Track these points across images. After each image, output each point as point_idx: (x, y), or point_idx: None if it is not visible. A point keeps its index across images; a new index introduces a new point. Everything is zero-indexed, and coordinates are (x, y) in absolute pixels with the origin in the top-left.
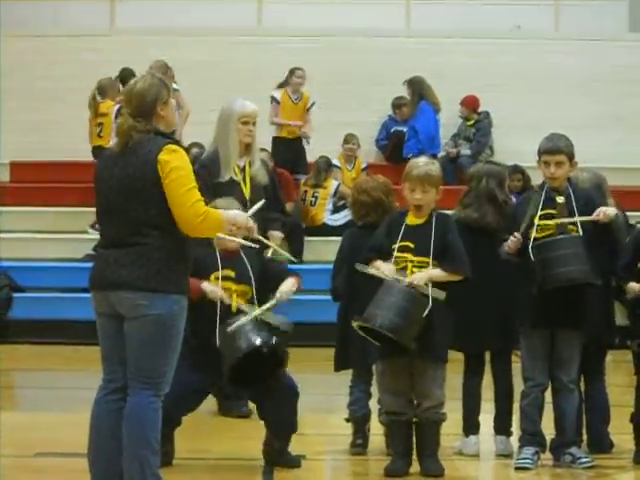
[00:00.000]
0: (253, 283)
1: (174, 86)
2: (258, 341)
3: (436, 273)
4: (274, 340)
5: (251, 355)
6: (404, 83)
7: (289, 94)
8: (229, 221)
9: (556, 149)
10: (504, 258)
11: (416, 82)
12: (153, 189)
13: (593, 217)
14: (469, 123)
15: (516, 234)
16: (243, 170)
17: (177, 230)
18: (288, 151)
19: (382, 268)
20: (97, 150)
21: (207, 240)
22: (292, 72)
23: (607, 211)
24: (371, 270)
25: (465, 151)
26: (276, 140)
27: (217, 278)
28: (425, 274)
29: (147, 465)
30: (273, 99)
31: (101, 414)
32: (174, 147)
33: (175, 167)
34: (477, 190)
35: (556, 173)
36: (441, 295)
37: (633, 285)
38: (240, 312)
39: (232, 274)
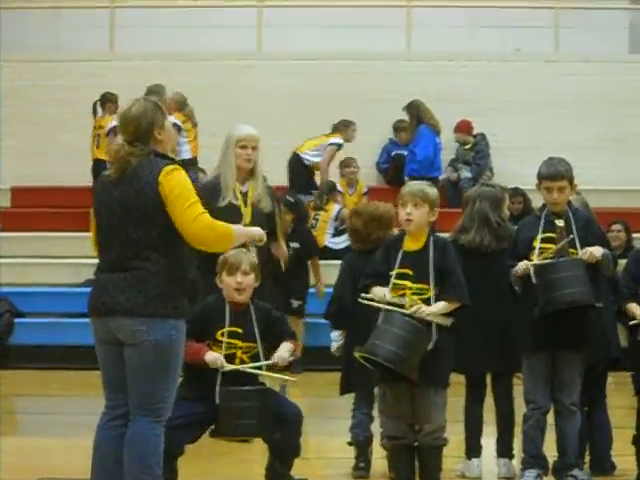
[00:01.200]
0: (259, 340)
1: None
2: (252, 430)
3: (441, 307)
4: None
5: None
6: (403, 109)
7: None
8: (242, 234)
9: (558, 175)
10: (514, 284)
11: (414, 106)
12: (155, 210)
13: (580, 257)
14: (467, 147)
15: (527, 262)
16: (245, 195)
17: (177, 252)
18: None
19: (378, 293)
20: (96, 164)
21: (217, 287)
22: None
23: (593, 252)
24: (373, 303)
25: (466, 174)
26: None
27: (223, 334)
28: (433, 309)
29: None
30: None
31: (104, 440)
32: (173, 167)
33: (176, 184)
34: (471, 212)
35: (559, 199)
36: (447, 322)
37: (633, 306)
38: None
39: (240, 331)
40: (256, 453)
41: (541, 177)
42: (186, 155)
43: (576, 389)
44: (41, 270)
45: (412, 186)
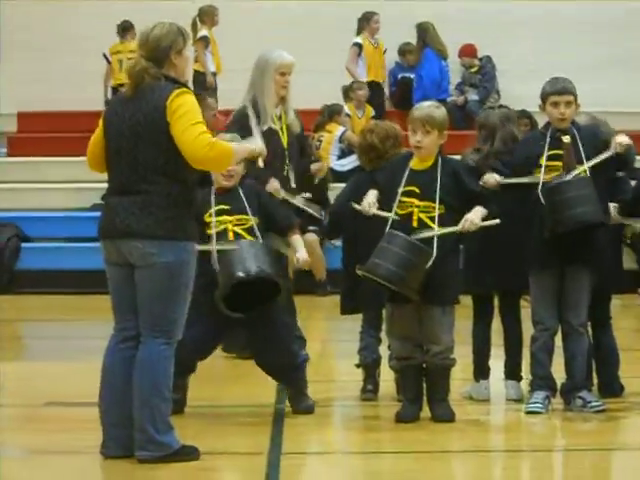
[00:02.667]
0: (249, 212)
1: None
2: (254, 269)
3: (480, 213)
4: (270, 270)
5: (246, 282)
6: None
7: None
8: (241, 152)
9: (564, 90)
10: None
11: (422, 28)
12: (162, 134)
13: (612, 150)
14: (473, 70)
15: (496, 179)
16: (280, 119)
17: (185, 176)
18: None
19: (365, 200)
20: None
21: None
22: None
23: (623, 141)
24: (364, 209)
25: (473, 97)
26: None
27: (211, 215)
28: (476, 218)
29: (158, 413)
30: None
31: (113, 362)
32: (182, 90)
33: (181, 105)
34: (503, 136)
35: (566, 113)
36: (494, 222)
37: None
38: (239, 237)
39: (227, 207)
40: (266, 376)
41: (547, 93)
42: (211, 68)
43: (584, 310)
44: (48, 195)
45: (421, 110)
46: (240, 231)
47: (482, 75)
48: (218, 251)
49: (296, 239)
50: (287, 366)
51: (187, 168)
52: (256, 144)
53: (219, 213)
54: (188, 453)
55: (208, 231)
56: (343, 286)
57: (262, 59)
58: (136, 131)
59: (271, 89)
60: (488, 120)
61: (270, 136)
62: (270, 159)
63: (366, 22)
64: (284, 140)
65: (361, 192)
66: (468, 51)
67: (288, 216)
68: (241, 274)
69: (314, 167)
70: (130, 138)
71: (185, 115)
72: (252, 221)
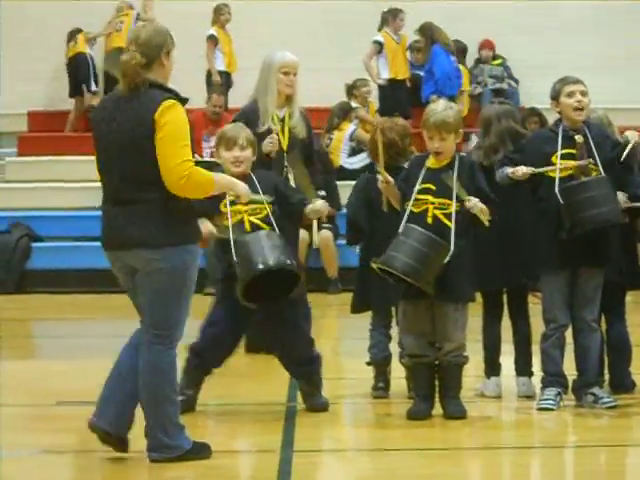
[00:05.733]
0: (264, 200)
1: None
2: (272, 261)
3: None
4: (289, 261)
5: (266, 273)
6: (416, 32)
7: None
8: (224, 186)
9: (579, 80)
10: (500, 181)
11: (426, 28)
12: (150, 148)
13: (632, 143)
14: (496, 62)
15: (526, 168)
16: (282, 121)
17: None
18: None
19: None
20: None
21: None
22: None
23: (636, 136)
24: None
25: (496, 86)
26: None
27: (226, 205)
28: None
29: (166, 417)
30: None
31: (131, 348)
32: (171, 102)
33: (168, 122)
34: (499, 132)
35: (583, 101)
36: (486, 221)
37: None
38: (256, 228)
39: None
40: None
41: (561, 85)
42: (221, 67)
43: (596, 306)
44: (59, 194)
45: (435, 116)
46: (256, 221)
47: (504, 68)
48: (235, 242)
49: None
50: (305, 358)
51: None
52: (242, 186)
53: (234, 202)
54: (200, 451)
55: (225, 222)
56: (356, 285)
57: (266, 59)
58: (124, 143)
59: (273, 88)
60: (484, 115)
61: (268, 136)
62: (267, 161)
63: (392, 18)
64: (283, 142)
65: (371, 193)
66: (489, 45)
67: (302, 199)
68: (260, 266)
69: (308, 209)
70: (119, 149)
71: (170, 135)
72: (267, 209)
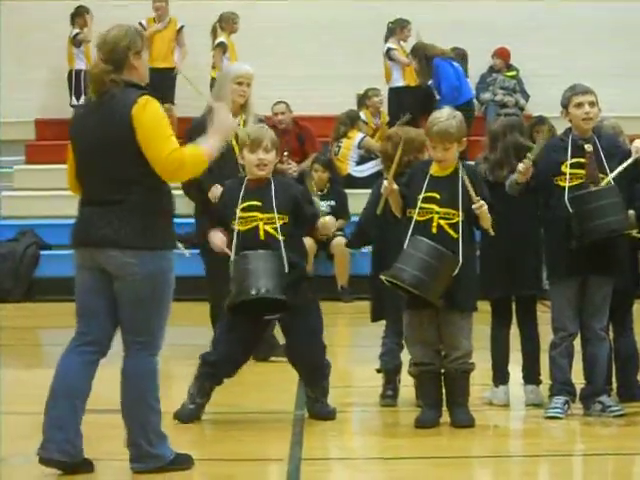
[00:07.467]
0: (275, 210)
1: None
2: (263, 290)
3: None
4: (280, 291)
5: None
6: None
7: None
8: (215, 148)
9: (587, 90)
10: (510, 191)
11: (417, 48)
12: (130, 145)
13: (633, 156)
14: (510, 74)
15: (525, 161)
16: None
17: (159, 184)
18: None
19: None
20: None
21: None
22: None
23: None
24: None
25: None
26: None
27: (242, 210)
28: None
29: (149, 426)
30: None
31: (70, 365)
32: (146, 99)
33: (148, 119)
34: (505, 146)
35: (591, 112)
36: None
37: None
38: (270, 237)
39: (259, 203)
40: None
41: (570, 95)
42: None
43: (605, 315)
44: (67, 202)
45: (438, 125)
46: (270, 230)
47: (517, 81)
48: (235, 261)
49: (321, 221)
50: (317, 364)
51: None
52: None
53: (250, 209)
54: (182, 462)
55: (239, 227)
56: (373, 293)
57: (224, 70)
58: (103, 144)
59: (228, 97)
60: (492, 128)
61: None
62: (222, 171)
63: (399, 29)
64: (236, 149)
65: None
66: (504, 54)
67: (315, 214)
68: (253, 292)
69: (318, 224)
70: (98, 151)
71: (153, 130)
72: (283, 219)
